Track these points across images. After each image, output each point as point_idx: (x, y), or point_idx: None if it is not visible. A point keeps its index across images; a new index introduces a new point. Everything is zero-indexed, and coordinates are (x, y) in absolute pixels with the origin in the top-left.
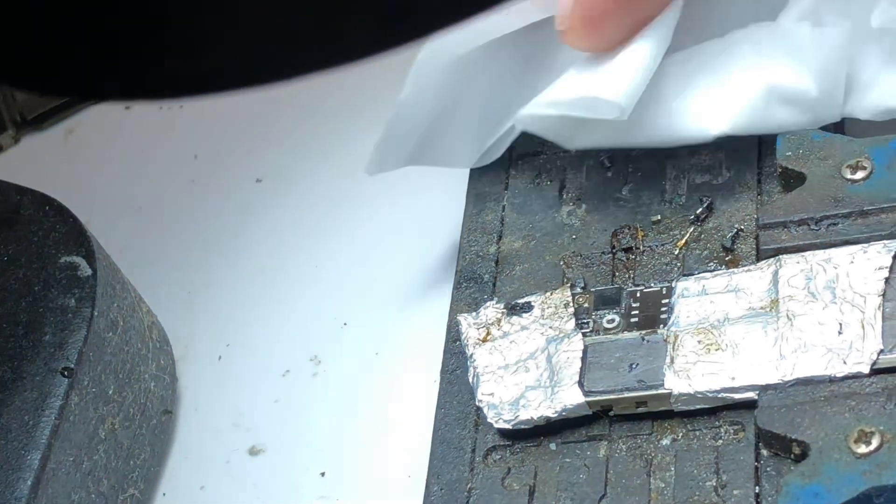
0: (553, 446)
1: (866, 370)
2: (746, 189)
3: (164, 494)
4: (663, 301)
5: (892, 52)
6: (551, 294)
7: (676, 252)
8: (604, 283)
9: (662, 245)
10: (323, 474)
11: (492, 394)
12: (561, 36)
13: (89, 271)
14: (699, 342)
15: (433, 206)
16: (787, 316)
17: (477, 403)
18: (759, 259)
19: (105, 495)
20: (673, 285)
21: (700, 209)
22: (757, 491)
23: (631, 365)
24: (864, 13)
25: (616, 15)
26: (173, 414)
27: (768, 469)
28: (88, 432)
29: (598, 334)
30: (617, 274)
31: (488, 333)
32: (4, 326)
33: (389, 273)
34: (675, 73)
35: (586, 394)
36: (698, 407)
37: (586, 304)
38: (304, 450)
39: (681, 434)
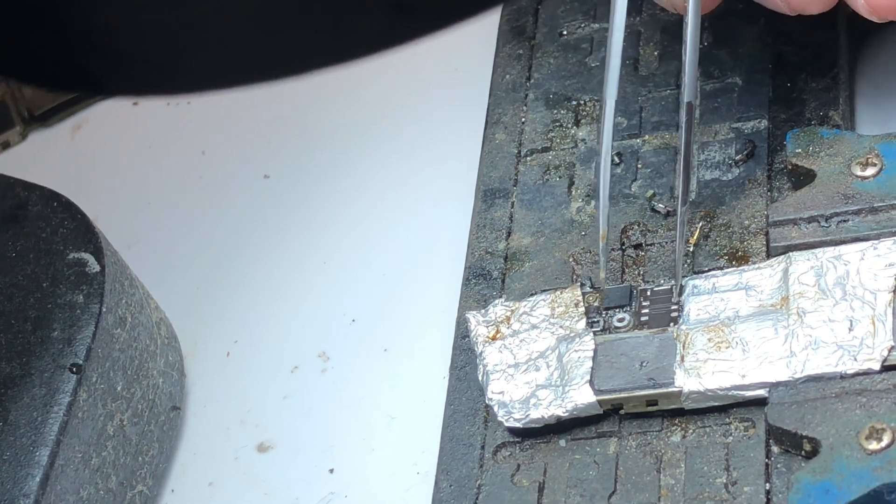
0: (563, 443)
1: (877, 367)
2: (756, 186)
3: (172, 491)
4: (673, 299)
5: None
6: (561, 293)
7: (691, 248)
8: (613, 280)
9: (672, 242)
10: (331, 471)
11: (502, 392)
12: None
13: (97, 267)
14: (709, 340)
15: (442, 202)
16: (798, 313)
17: (487, 402)
18: (769, 256)
19: (113, 492)
20: (683, 283)
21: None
22: (767, 488)
23: (641, 363)
24: None
25: None
26: (182, 410)
27: (779, 466)
28: (97, 428)
29: (609, 333)
30: (626, 270)
31: (497, 331)
32: (13, 323)
33: (398, 269)
34: None
35: (597, 393)
36: (709, 405)
37: (596, 303)
38: (313, 446)
39: (691, 431)
